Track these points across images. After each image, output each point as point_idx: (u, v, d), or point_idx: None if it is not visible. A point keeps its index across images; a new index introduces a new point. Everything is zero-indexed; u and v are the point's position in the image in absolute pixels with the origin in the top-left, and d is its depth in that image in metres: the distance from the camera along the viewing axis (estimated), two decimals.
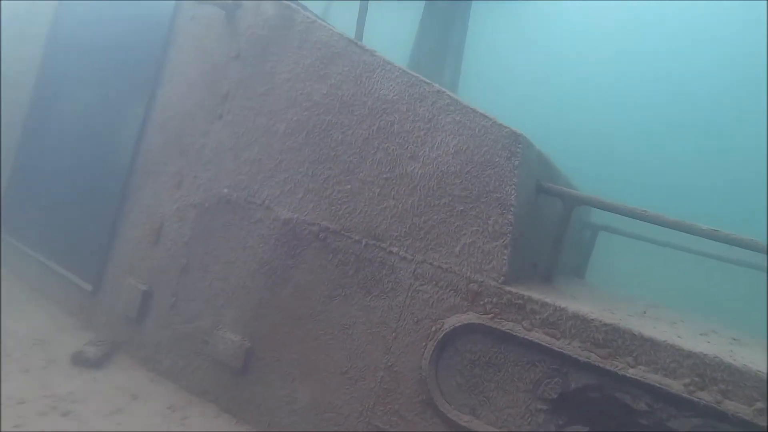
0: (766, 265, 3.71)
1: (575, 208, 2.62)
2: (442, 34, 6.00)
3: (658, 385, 1.96)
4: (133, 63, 3.46)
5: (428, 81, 2.54)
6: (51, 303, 3.59)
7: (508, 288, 2.32)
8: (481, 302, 2.37)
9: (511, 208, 2.33)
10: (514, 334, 2.27)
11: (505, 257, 2.33)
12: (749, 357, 2.11)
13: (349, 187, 2.64)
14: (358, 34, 3.80)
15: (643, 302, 3.46)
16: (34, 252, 3.69)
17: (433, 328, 2.44)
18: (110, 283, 3.34)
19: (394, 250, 2.54)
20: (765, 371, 1.85)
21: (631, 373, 2.01)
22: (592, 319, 2.11)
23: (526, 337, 2.23)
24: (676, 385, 1.95)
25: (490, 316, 2.34)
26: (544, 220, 2.85)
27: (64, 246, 3.60)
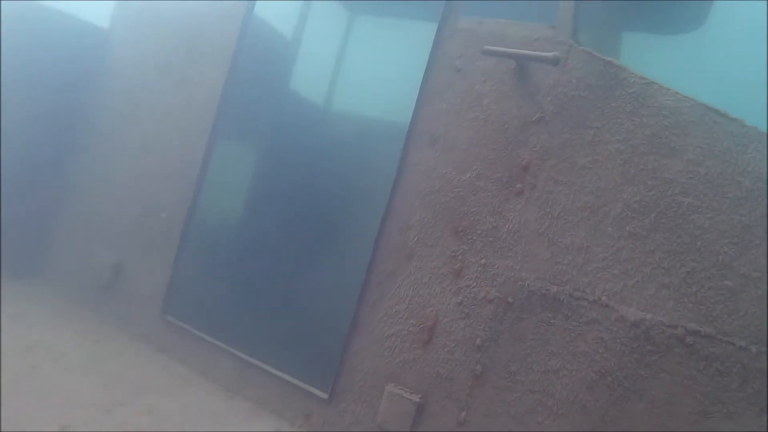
0: None
1: None
2: None
3: None
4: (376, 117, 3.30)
5: None
6: (262, 409, 3.35)
7: None
8: None
9: None
10: None
11: None
12: None
13: (727, 283, 2.54)
14: None
15: None
16: (237, 350, 3.45)
17: None
18: (356, 391, 3.16)
19: None
20: None
21: None
22: None
23: None
24: None
25: None
26: None
27: (280, 343, 3.40)
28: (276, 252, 3.91)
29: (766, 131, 2.70)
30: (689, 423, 2.67)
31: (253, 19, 4.11)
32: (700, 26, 5.81)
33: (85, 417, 2.91)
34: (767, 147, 2.68)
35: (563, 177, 2.99)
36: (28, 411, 2.80)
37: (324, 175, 4.47)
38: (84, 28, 4.62)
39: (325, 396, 3.36)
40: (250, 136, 4.32)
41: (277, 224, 4.04)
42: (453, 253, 3.18)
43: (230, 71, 4.02)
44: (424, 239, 3.26)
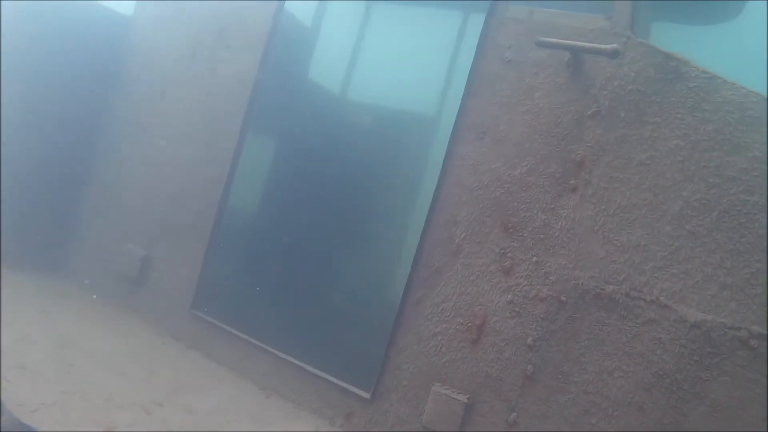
0: None
1: None
2: None
3: None
4: (411, 109, 3.25)
5: None
6: (301, 409, 3.32)
7: None
8: None
9: None
10: None
11: None
12: None
13: None
14: None
15: None
16: (271, 347, 3.42)
17: None
18: (400, 390, 3.14)
19: None
20: None
21: None
22: None
23: None
24: None
25: None
26: None
27: (318, 340, 3.36)
28: (313, 245, 3.84)
29: None
30: (753, 428, 2.64)
31: (285, 8, 4.03)
32: (734, 17, 5.72)
33: (129, 418, 2.88)
34: None
35: (619, 173, 2.94)
36: (72, 412, 2.76)
37: (363, 167, 4.40)
38: (106, 15, 4.54)
39: (367, 395, 3.33)
40: (282, 128, 4.25)
41: (313, 216, 3.97)
42: (502, 250, 3.13)
43: (263, 60, 3.95)
44: (472, 235, 3.22)
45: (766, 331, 2.65)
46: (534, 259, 3.06)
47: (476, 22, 5.61)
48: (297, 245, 4.01)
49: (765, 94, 2.83)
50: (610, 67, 3.02)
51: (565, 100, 3.10)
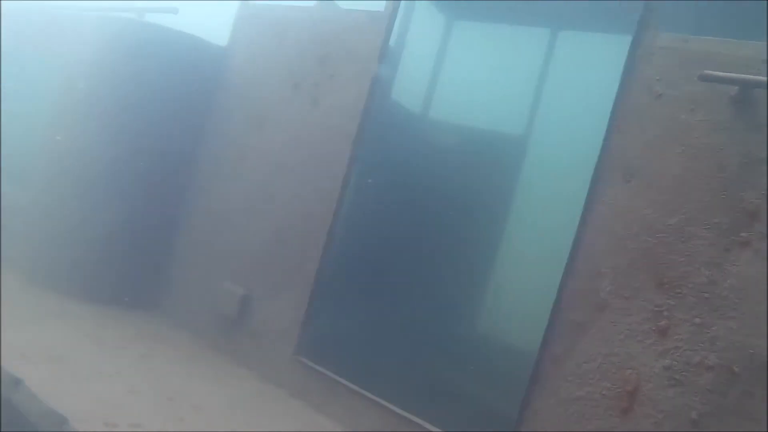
0: None
1: None
2: None
3: None
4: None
5: None
6: None
7: None
8: None
9: None
10: None
11: None
12: None
13: None
14: None
15: None
16: (384, 401, 3.21)
17: None
18: None
19: None
20: None
21: None
22: None
23: None
24: None
25: None
26: None
27: (439, 394, 3.12)
28: (432, 285, 3.59)
29: None
30: None
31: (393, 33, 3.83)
32: None
33: None
34: None
35: None
36: None
37: (484, 199, 4.13)
38: (200, 45, 4.46)
39: None
40: (392, 163, 4.04)
41: (433, 254, 3.72)
42: (657, 308, 2.84)
43: (371, 91, 3.76)
44: (620, 289, 2.94)
45: None
46: (697, 320, 2.75)
47: (567, 43, 5.29)
48: (414, 285, 3.75)
49: None
50: None
51: (730, 140, 2.78)
